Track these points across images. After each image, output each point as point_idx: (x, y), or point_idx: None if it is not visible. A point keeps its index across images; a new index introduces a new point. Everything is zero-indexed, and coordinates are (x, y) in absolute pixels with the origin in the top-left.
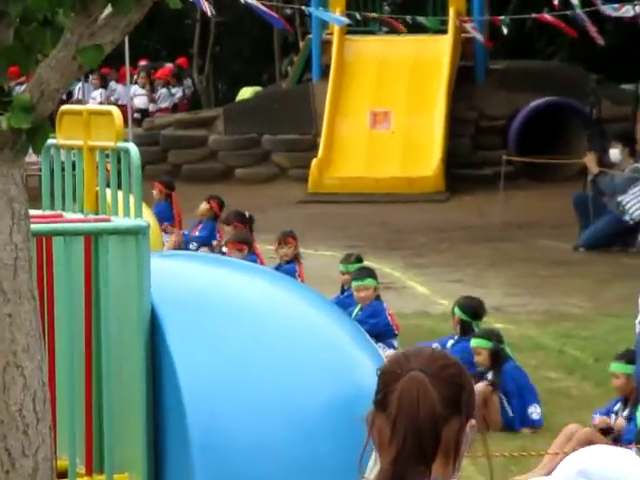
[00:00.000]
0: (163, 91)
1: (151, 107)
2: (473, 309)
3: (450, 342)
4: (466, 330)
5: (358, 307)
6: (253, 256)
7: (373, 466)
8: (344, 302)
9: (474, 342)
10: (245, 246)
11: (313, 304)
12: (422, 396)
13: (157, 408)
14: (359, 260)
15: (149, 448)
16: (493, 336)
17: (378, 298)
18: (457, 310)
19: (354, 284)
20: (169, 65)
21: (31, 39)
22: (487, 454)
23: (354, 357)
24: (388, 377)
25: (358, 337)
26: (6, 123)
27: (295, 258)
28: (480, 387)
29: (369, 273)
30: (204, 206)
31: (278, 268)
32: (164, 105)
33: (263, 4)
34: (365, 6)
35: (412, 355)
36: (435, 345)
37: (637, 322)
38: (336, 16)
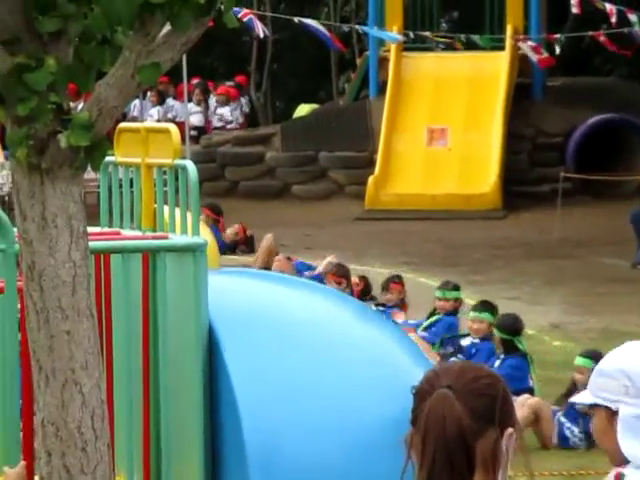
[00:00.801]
0: (222, 110)
1: (218, 123)
2: (511, 326)
3: (497, 362)
4: (509, 348)
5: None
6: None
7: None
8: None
9: (578, 360)
10: (344, 280)
11: (371, 323)
12: (448, 413)
13: (214, 427)
14: (456, 288)
15: (206, 467)
16: (596, 358)
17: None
18: (496, 331)
19: (472, 314)
20: (229, 83)
21: (90, 58)
22: (529, 472)
23: (409, 376)
24: (419, 396)
25: (415, 355)
26: (65, 141)
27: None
28: (532, 401)
29: (488, 307)
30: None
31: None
32: (222, 124)
33: (321, 23)
34: (423, 23)
35: (442, 371)
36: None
37: None
38: (392, 34)
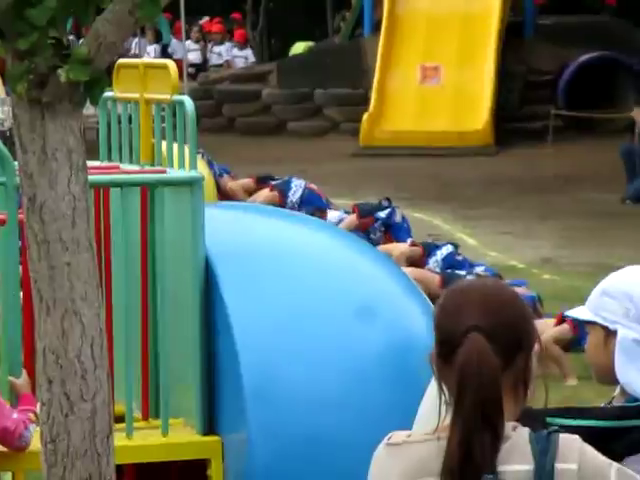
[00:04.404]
0: (219, 48)
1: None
2: None
3: None
4: None
5: None
6: None
7: (441, 406)
8: None
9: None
10: None
11: (367, 257)
12: (485, 364)
13: (211, 356)
14: None
15: (203, 394)
16: None
17: None
18: None
19: None
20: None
21: None
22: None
23: (406, 307)
24: (445, 334)
25: (409, 288)
26: (64, 75)
27: None
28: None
29: None
30: None
31: None
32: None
33: None
34: None
35: (465, 305)
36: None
37: None
38: None
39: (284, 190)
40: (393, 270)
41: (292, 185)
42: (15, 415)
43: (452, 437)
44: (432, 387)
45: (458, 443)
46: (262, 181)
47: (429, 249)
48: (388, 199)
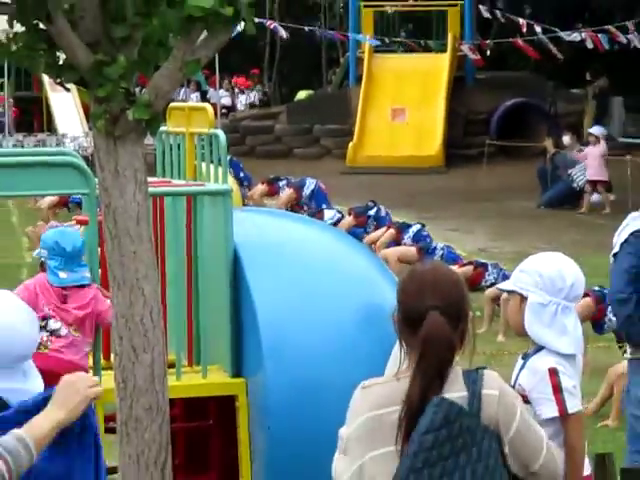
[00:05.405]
0: (243, 95)
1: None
2: None
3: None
4: None
5: None
6: None
7: (401, 357)
8: None
9: None
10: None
11: (356, 250)
12: (444, 338)
13: (238, 321)
14: None
15: (232, 347)
16: None
17: None
18: None
19: None
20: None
21: (150, 55)
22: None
23: (381, 283)
24: (409, 311)
25: (383, 269)
26: (131, 115)
27: None
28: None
29: None
30: None
31: None
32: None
33: (317, 31)
34: (387, 32)
35: (423, 288)
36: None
37: (611, 255)
38: (366, 38)
39: (300, 187)
40: (373, 258)
41: (306, 181)
42: (108, 301)
43: (414, 381)
44: (397, 346)
45: (419, 386)
46: (271, 182)
47: (402, 228)
48: (373, 201)
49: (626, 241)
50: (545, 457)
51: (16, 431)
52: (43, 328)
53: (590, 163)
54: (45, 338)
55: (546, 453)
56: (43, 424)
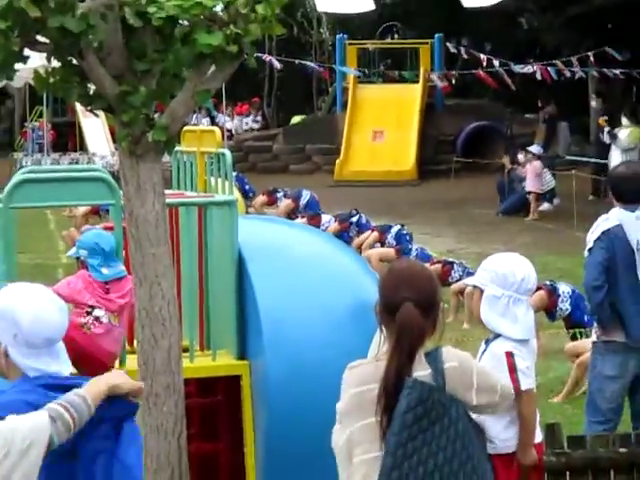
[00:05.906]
0: (246, 120)
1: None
2: None
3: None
4: None
5: None
6: None
7: (381, 342)
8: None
9: None
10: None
11: (342, 250)
12: (415, 324)
13: (243, 312)
14: None
15: (237, 333)
16: None
17: None
18: None
19: None
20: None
21: (167, 86)
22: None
23: (363, 278)
24: (388, 302)
25: (365, 267)
26: (151, 137)
27: None
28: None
29: None
30: None
31: None
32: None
33: (307, 63)
34: (369, 65)
35: (400, 283)
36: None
37: (586, 250)
38: (351, 70)
39: (297, 197)
40: (356, 258)
41: (302, 193)
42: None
43: (391, 363)
44: (377, 332)
45: (395, 367)
46: (270, 193)
47: (384, 229)
48: (355, 209)
49: (599, 238)
50: (501, 388)
51: (77, 390)
52: (89, 314)
53: (528, 176)
54: (90, 321)
55: (502, 385)
56: (100, 385)
